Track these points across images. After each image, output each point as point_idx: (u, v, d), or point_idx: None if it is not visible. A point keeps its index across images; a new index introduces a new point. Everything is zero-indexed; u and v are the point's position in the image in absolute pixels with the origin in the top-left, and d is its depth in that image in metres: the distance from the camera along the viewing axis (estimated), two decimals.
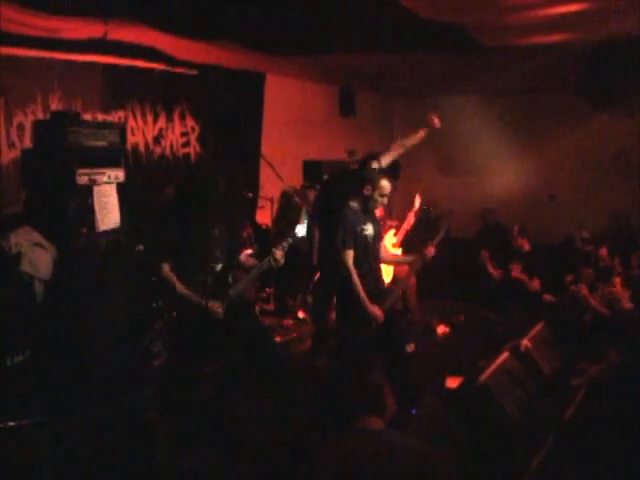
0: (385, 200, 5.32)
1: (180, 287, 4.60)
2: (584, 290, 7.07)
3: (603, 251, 8.21)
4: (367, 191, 5.18)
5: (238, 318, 4.81)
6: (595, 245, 8.71)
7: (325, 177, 7.88)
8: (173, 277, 4.63)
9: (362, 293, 5.00)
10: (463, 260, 9.53)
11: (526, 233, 8.93)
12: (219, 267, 4.77)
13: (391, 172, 7.00)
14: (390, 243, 7.34)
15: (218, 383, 5.71)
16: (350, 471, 2.68)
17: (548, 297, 7.94)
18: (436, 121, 6.27)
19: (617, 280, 6.54)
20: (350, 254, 5.07)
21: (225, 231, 4.88)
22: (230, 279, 4.90)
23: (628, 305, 6.22)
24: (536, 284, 8.23)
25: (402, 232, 7.46)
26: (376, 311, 5.02)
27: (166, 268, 4.65)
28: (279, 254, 4.73)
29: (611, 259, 8.04)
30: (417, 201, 7.49)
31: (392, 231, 7.52)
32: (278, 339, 7.36)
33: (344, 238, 5.07)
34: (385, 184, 5.20)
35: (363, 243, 5.17)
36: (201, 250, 4.72)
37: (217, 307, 4.61)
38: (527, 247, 8.76)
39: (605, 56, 7.37)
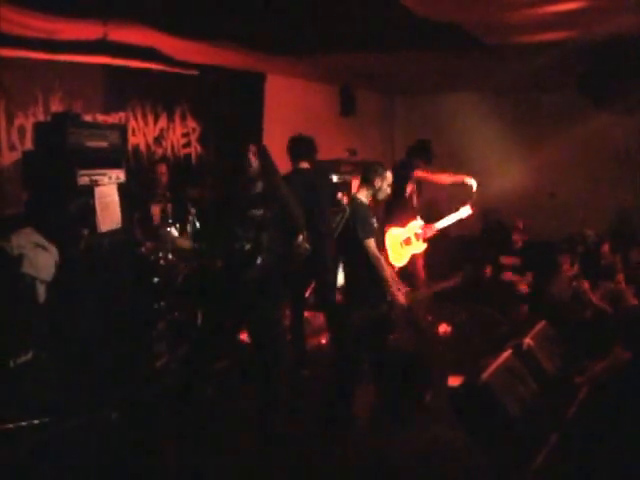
0: (389, 189, 5.66)
1: None
2: (585, 285, 7.09)
3: (605, 248, 8.20)
4: (378, 183, 5.50)
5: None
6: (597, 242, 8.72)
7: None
8: None
9: (390, 280, 5.36)
10: (464, 258, 9.53)
11: (526, 230, 8.99)
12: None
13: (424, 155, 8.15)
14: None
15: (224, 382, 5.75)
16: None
17: (523, 287, 7.95)
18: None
19: (621, 277, 6.53)
20: (373, 242, 5.35)
21: None
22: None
23: (633, 301, 6.21)
24: (525, 287, 8.28)
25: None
26: (401, 297, 5.34)
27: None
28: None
29: (613, 256, 8.04)
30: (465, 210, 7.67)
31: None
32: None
33: (366, 228, 5.35)
34: (389, 174, 5.58)
35: (375, 234, 5.48)
36: None
37: None
38: (520, 244, 8.83)
39: (606, 54, 7.37)
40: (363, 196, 5.54)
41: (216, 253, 5.22)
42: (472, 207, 7.59)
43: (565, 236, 9.65)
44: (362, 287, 5.44)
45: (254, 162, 4.98)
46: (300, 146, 6.69)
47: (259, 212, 4.92)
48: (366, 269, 5.34)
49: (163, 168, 6.92)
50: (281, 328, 5.43)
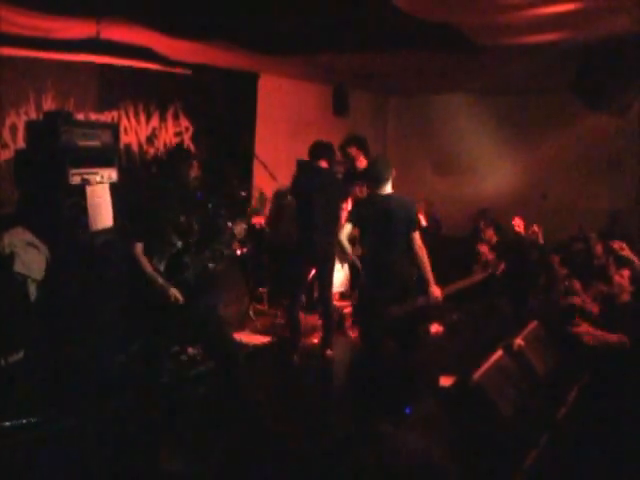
0: None
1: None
2: (577, 285, 7.09)
3: (599, 248, 8.20)
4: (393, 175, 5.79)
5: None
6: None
7: None
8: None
9: (431, 272, 5.59)
10: (457, 259, 9.53)
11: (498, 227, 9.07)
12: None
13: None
14: None
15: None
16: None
17: (479, 276, 7.93)
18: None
19: (626, 273, 6.49)
20: (418, 235, 5.61)
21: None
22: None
23: (627, 298, 6.21)
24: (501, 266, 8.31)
25: None
26: (437, 290, 5.57)
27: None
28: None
29: (606, 257, 8.03)
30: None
31: None
32: (269, 339, 7.40)
33: (414, 221, 5.62)
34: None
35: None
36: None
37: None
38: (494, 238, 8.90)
39: (599, 55, 7.38)
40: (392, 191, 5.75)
41: None
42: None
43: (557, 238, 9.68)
44: (403, 280, 5.64)
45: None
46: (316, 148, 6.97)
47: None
48: (408, 262, 5.55)
49: None
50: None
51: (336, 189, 7.00)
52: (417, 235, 5.60)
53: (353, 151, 7.79)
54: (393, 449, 2.70)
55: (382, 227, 5.68)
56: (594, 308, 6.67)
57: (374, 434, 2.81)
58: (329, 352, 7.03)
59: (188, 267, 4.90)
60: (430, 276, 5.57)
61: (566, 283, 7.47)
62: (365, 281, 5.81)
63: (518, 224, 8.09)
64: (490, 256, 8.51)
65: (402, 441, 2.78)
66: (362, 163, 7.73)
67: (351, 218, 5.88)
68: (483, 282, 6.75)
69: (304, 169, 7.02)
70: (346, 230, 5.87)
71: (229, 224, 5.09)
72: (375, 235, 5.74)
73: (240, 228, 5.07)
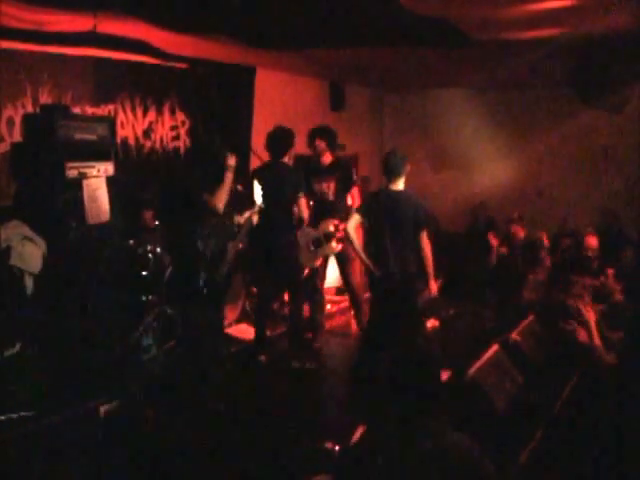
0: None
1: None
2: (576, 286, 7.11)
3: (593, 240, 8.19)
4: (407, 170, 5.90)
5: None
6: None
7: None
8: None
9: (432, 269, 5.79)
10: (453, 254, 9.55)
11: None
12: None
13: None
14: None
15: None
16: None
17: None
18: None
19: (610, 272, 6.53)
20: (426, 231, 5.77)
21: None
22: None
23: (619, 297, 6.23)
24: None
25: None
26: (434, 286, 5.85)
27: None
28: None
29: (599, 252, 8.05)
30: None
31: None
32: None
33: (424, 217, 5.79)
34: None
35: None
36: None
37: None
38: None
39: (595, 51, 7.39)
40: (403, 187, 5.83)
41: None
42: None
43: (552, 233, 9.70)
44: (409, 273, 5.77)
45: None
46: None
47: None
48: (415, 256, 5.70)
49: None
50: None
51: (288, 182, 6.72)
52: (424, 234, 5.71)
53: (321, 145, 7.29)
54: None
55: (390, 223, 5.77)
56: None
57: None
58: (317, 345, 7.18)
59: None
60: (431, 272, 5.73)
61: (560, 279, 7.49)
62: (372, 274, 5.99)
63: (515, 230, 8.20)
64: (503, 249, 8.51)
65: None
66: (327, 159, 7.32)
67: (361, 210, 5.94)
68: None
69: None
70: (353, 221, 5.93)
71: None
72: (382, 230, 5.82)
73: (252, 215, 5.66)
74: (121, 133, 6.98)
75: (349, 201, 7.38)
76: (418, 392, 2.74)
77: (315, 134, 7.37)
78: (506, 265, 8.36)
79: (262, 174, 6.70)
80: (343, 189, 7.30)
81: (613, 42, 7.00)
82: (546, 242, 8.52)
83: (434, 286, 5.82)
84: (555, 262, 7.95)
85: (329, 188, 7.24)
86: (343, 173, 7.33)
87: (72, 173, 5.23)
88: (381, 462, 2.64)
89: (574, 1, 5.41)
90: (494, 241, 8.52)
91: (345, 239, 6.39)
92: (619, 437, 4.05)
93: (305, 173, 7.07)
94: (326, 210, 7.17)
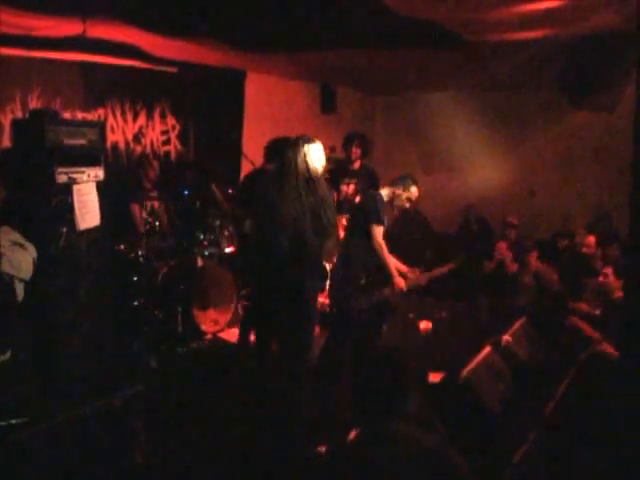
0: (406, 204, 5.96)
1: None
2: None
3: (591, 240, 8.21)
4: (398, 190, 5.88)
5: None
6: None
7: None
8: None
9: (391, 265, 5.70)
10: (445, 256, 9.54)
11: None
12: None
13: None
14: None
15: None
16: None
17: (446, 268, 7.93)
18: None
19: (610, 270, 6.52)
20: (381, 230, 5.66)
21: None
22: None
23: (619, 295, 6.23)
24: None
25: None
26: (400, 282, 5.69)
27: None
28: None
29: (596, 250, 8.07)
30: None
31: None
32: None
33: (378, 216, 5.67)
34: (415, 191, 6.00)
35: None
36: None
37: None
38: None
39: (585, 52, 7.40)
40: (384, 193, 5.83)
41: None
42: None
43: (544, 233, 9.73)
44: (369, 271, 5.74)
45: None
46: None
47: None
48: (374, 254, 5.65)
49: (155, 164, 6.94)
50: None
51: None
52: (377, 229, 5.64)
53: (358, 152, 7.68)
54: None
55: (352, 220, 6.03)
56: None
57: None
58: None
59: None
60: (389, 269, 5.67)
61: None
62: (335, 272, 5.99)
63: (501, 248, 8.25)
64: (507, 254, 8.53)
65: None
66: (357, 164, 7.74)
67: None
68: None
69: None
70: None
71: None
72: (348, 228, 6.10)
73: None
74: (111, 138, 6.97)
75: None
76: (383, 393, 2.74)
77: (352, 140, 7.73)
78: (502, 269, 8.39)
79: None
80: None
81: (603, 42, 7.01)
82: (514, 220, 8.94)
83: (401, 281, 5.73)
84: (560, 266, 7.98)
85: (352, 190, 7.69)
86: (370, 179, 7.63)
87: (62, 178, 5.19)
88: (355, 462, 2.64)
89: (563, 2, 5.42)
90: (506, 253, 8.50)
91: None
92: (613, 436, 4.05)
93: (333, 175, 7.34)
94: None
